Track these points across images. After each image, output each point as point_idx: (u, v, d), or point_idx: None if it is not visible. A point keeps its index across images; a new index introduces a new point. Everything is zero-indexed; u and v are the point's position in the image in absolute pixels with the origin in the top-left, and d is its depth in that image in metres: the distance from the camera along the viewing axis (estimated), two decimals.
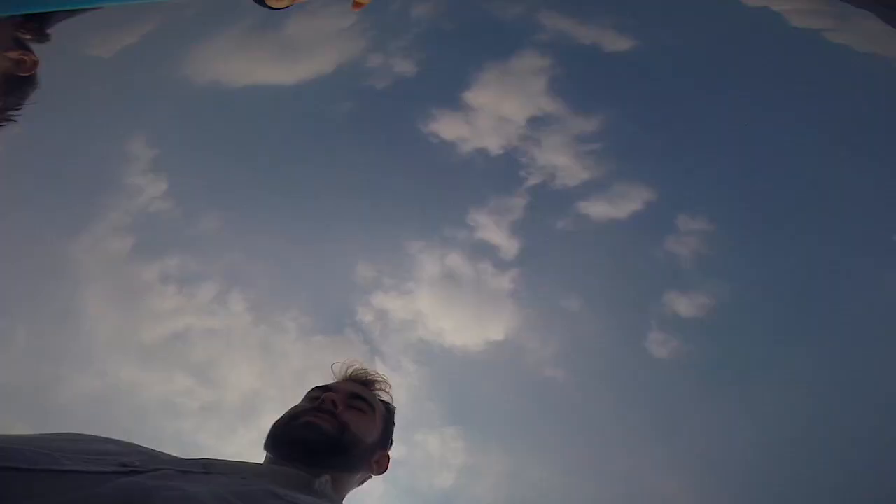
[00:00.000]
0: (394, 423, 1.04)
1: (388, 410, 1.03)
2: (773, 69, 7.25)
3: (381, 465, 0.97)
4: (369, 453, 0.92)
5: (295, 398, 0.96)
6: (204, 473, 0.63)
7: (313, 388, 0.96)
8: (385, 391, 1.05)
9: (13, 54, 0.96)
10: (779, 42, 7.16)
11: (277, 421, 0.86)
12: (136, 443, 0.73)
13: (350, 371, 1.04)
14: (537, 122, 7.93)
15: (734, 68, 7.50)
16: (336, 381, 1.01)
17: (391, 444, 1.02)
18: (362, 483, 0.95)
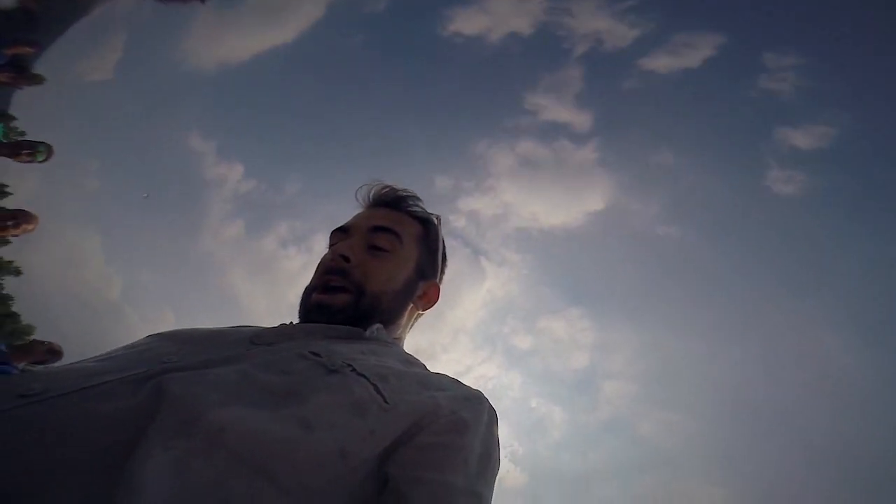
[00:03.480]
0: (438, 241, 0.88)
1: (427, 227, 0.87)
2: None
3: (429, 299, 0.85)
4: (404, 296, 0.81)
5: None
6: (246, 349, 0.61)
7: (332, 233, 0.86)
8: (417, 206, 0.89)
9: None
10: None
11: (304, 290, 0.80)
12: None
13: (372, 195, 0.89)
14: None
15: None
16: (358, 212, 0.89)
17: (441, 267, 0.89)
18: (414, 321, 0.86)
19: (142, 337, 0.68)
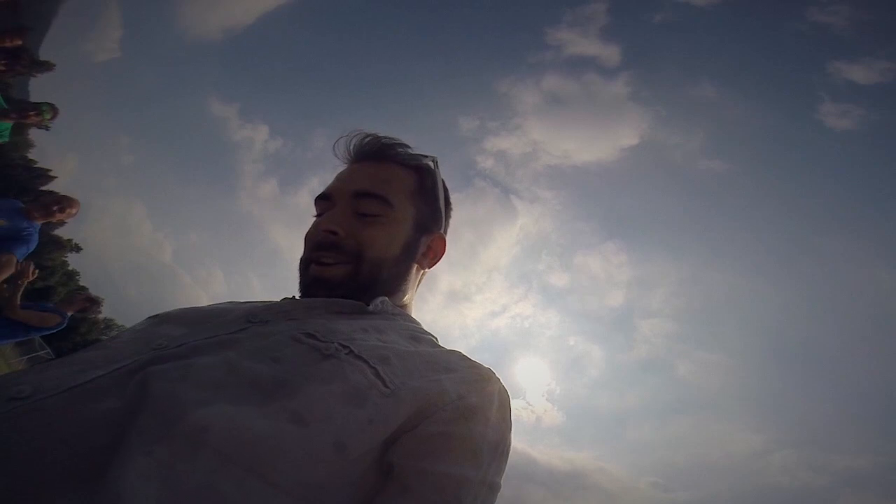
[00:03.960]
0: (437, 188, 0.78)
1: (422, 175, 0.77)
2: None
3: (434, 254, 0.78)
4: (405, 259, 0.74)
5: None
6: (239, 330, 0.59)
7: (315, 201, 0.77)
8: (406, 152, 0.78)
9: None
10: None
11: (300, 262, 0.74)
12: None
13: (353, 149, 0.78)
14: None
15: None
16: (341, 172, 0.78)
17: (445, 214, 0.80)
18: (421, 279, 0.80)
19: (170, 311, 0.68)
